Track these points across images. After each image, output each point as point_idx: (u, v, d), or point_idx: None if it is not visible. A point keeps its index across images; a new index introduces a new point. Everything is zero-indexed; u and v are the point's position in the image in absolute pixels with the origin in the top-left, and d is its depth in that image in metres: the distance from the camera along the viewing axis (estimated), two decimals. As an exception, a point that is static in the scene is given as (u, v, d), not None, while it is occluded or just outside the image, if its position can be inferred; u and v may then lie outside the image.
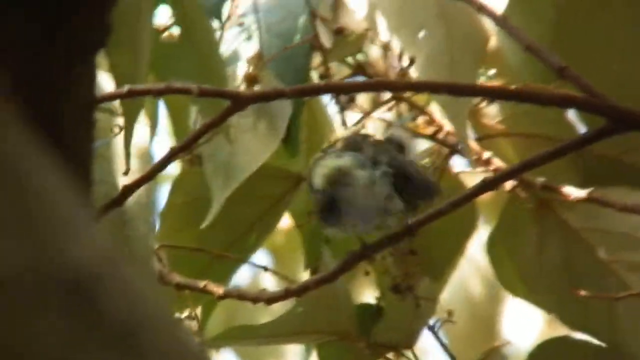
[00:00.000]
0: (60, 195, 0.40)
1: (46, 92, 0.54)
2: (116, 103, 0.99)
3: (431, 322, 1.05)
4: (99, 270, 0.39)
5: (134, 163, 1.01)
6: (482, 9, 0.92)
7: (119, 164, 1.02)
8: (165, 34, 1.03)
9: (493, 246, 1.06)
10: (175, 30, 1.01)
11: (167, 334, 0.40)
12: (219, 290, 0.99)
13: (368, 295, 1.14)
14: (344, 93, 1.05)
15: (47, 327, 0.37)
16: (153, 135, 1.06)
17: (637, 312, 0.99)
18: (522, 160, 0.96)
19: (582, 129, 1.03)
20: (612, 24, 1.00)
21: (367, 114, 1.08)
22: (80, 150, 0.57)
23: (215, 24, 1.06)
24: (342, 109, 1.07)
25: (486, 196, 1.04)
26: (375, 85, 0.96)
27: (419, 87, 0.93)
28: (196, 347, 0.40)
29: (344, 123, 1.07)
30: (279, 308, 1.07)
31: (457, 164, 1.08)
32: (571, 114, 1.05)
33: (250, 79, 1.01)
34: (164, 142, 1.17)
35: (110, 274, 0.40)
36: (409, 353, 1.05)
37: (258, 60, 1.03)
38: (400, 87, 0.96)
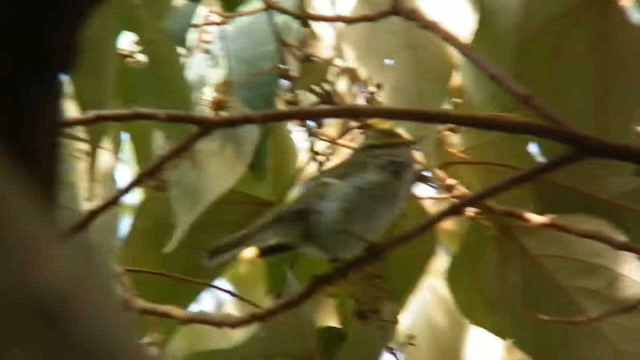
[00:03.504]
0: (28, 218, 0.40)
1: (13, 115, 0.53)
2: (78, 128, 0.99)
3: (392, 345, 1.06)
4: (68, 294, 0.39)
5: (97, 188, 1.00)
6: (448, 39, 0.93)
7: (82, 189, 1.01)
8: (130, 59, 1.03)
9: (454, 272, 1.07)
10: (140, 56, 1.01)
11: (134, 358, 0.40)
12: (183, 315, 0.98)
13: (330, 317, 1.13)
14: (312, 119, 1.05)
15: (18, 350, 0.37)
16: (116, 161, 1.06)
17: (593, 338, 1.00)
18: (485, 187, 0.97)
19: (542, 160, 1.05)
20: (573, 55, 1.02)
21: (334, 141, 1.08)
22: (47, 174, 0.57)
23: (182, 49, 1.06)
24: (310, 135, 1.07)
25: (446, 225, 1.05)
26: (343, 111, 0.96)
27: (386, 114, 0.94)
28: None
29: (311, 150, 1.07)
30: (242, 336, 1.06)
31: (420, 190, 1.09)
32: (531, 147, 1.06)
33: (217, 105, 1.01)
34: (125, 168, 1.16)
35: (79, 298, 0.40)
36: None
37: (225, 86, 1.03)
38: (368, 113, 0.96)
